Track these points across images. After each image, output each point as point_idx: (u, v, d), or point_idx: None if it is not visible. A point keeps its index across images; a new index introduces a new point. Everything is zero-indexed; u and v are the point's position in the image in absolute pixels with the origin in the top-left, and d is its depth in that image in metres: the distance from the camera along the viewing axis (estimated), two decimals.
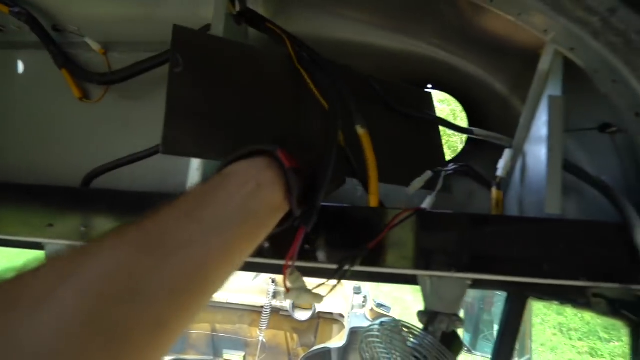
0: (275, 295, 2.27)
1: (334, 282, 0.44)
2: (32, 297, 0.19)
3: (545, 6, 0.44)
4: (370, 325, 0.56)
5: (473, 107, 0.71)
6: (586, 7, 0.42)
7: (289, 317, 2.33)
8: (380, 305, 2.27)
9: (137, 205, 0.49)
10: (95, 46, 0.67)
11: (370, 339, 0.55)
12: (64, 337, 0.18)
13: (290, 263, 0.36)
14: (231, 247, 0.30)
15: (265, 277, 2.30)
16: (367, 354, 0.57)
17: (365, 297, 2.29)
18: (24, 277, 0.20)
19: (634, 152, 0.46)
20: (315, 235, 0.47)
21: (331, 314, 2.31)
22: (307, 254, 0.46)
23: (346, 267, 0.42)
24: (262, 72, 0.56)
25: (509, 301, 0.63)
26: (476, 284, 0.56)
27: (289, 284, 0.35)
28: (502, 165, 0.59)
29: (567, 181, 0.62)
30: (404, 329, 0.50)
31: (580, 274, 0.44)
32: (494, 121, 0.67)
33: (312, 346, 2.27)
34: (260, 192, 0.33)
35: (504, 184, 0.62)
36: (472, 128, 0.62)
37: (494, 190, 0.59)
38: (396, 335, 0.52)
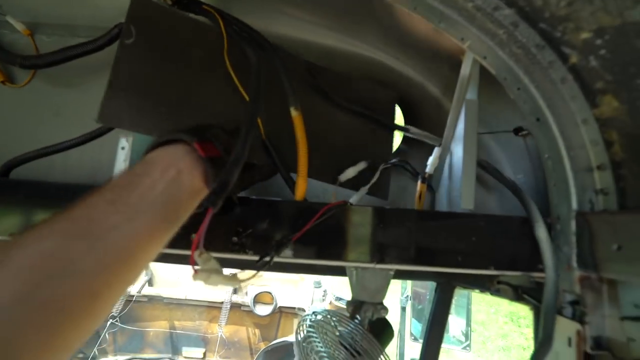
0: (235, 290, 2.25)
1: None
2: None
3: (460, 17, 0.47)
4: (304, 316, 0.58)
5: (409, 108, 0.74)
6: (494, 20, 0.45)
7: (250, 312, 2.32)
8: (339, 299, 2.32)
9: (55, 197, 0.47)
10: (19, 26, 0.63)
11: (304, 329, 0.57)
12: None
13: (197, 241, 0.35)
14: (154, 229, 0.33)
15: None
16: (304, 344, 0.59)
17: (325, 291, 2.33)
18: None
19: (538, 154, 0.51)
20: (243, 228, 0.48)
21: (292, 308, 2.33)
22: (235, 247, 0.47)
23: (267, 258, 0.43)
24: (212, 52, 0.55)
25: (437, 290, 0.67)
26: (404, 275, 0.60)
27: (198, 265, 0.35)
28: (430, 162, 0.63)
29: (491, 179, 0.68)
30: (333, 318, 0.53)
31: (489, 263, 0.48)
32: (428, 121, 0.71)
33: (274, 340, 2.29)
34: (180, 177, 0.36)
35: (435, 181, 0.67)
36: (407, 126, 0.65)
37: (419, 184, 0.63)
38: (327, 325, 0.54)
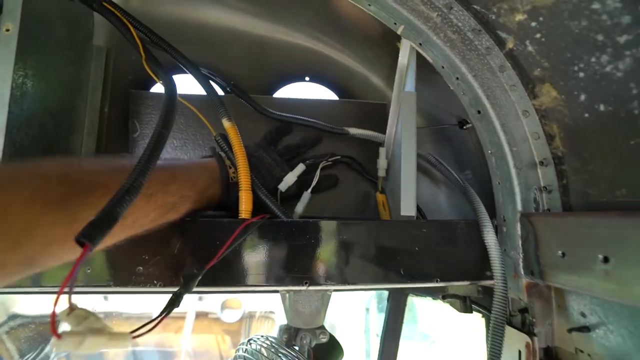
0: (200, 298, 2.14)
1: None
2: None
3: None
4: (240, 345, 0.51)
5: None
6: (426, 2, 0.40)
7: (218, 320, 2.23)
8: None
9: None
10: None
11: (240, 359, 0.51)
12: None
13: (66, 291, 0.27)
14: None
15: None
16: None
17: None
18: None
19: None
20: (150, 255, 0.40)
21: (262, 311, 2.26)
22: (140, 278, 0.40)
23: (178, 297, 0.36)
24: None
25: (390, 299, 0.63)
26: (340, 289, 0.54)
27: (68, 326, 0.27)
28: (380, 165, 0.57)
29: (441, 177, 0.64)
30: (271, 347, 0.47)
31: (435, 275, 0.43)
32: (373, 118, 0.66)
33: None
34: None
35: (385, 183, 0.61)
36: (347, 129, 0.59)
37: (378, 195, 0.58)
38: (262, 356, 0.48)
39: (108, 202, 0.30)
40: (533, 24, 0.33)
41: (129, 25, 0.48)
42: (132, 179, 0.32)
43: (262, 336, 0.50)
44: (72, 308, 0.28)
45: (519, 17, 0.34)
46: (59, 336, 0.26)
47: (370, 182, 0.63)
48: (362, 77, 0.65)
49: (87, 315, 0.30)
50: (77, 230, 0.27)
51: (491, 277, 0.42)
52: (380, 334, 1.53)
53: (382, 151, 0.58)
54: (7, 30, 0.41)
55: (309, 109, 0.62)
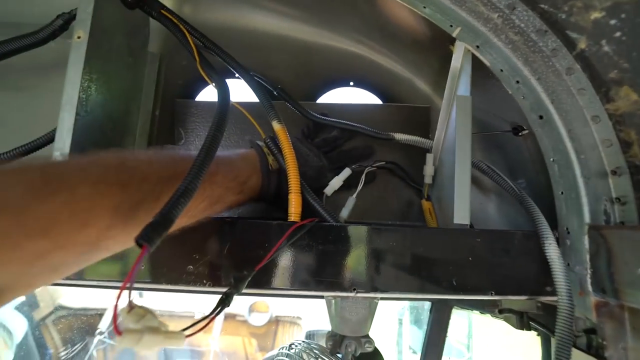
0: None
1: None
2: None
3: (447, 0, 0.40)
4: (280, 349, 0.51)
5: None
6: (486, 3, 0.39)
7: (246, 322, 2.25)
8: None
9: None
10: None
11: None
12: None
13: (124, 289, 0.27)
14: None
15: None
16: None
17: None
18: None
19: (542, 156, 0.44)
20: (200, 254, 0.41)
21: (289, 316, 2.26)
22: (190, 277, 0.40)
23: (228, 297, 0.36)
24: None
25: (433, 311, 0.60)
26: (388, 298, 0.53)
27: (128, 324, 0.27)
28: (426, 171, 0.56)
29: (489, 182, 0.61)
30: (310, 353, 0.46)
31: (489, 287, 0.41)
32: (419, 123, 0.64)
33: (271, 350, 2.22)
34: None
35: (431, 190, 0.59)
36: (392, 134, 0.58)
37: (424, 202, 0.56)
38: None
39: (165, 205, 0.31)
40: (612, 21, 0.31)
41: (185, 31, 0.50)
42: (187, 181, 0.33)
43: (303, 341, 0.49)
44: (132, 306, 0.29)
45: (595, 14, 0.32)
46: (119, 333, 0.27)
47: (414, 188, 0.61)
48: (407, 82, 0.63)
49: (145, 313, 0.30)
50: (135, 215, 0.30)
51: (552, 293, 0.39)
52: (412, 346, 1.48)
53: (430, 157, 0.56)
54: (79, 37, 0.44)
55: (352, 114, 0.61)
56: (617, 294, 0.34)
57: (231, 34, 0.64)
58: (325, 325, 2.41)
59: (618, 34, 0.31)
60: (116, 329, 0.27)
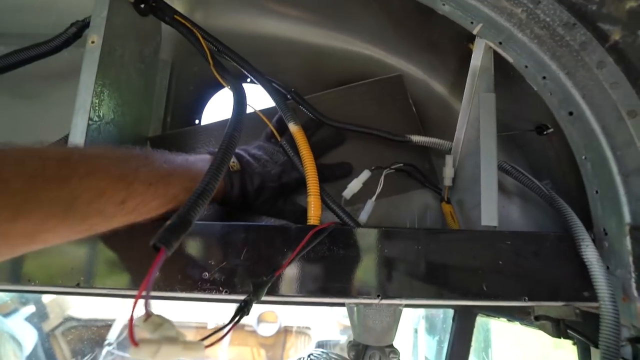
0: None
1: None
2: None
3: None
4: (298, 358, 0.49)
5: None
6: None
7: (254, 333, 2.22)
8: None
9: None
10: None
11: None
12: None
13: (140, 297, 0.26)
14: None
15: None
16: None
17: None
18: None
19: (571, 155, 0.42)
20: (216, 260, 0.39)
21: (298, 327, 2.22)
22: (206, 284, 0.39)
23: (248, 305, 0.34)
24: None
25: (456, 319, 0.57)
26: (414, 305, 0.50)
27: (144, 333, 0.26)
28: (446, 174, 0.54)
29: (510, 184, 0.59)
30: None
31: (522, 292, 0.39)
32: (435, 125, 0.63)
33: None
34: None
35: (451, 193, 0.57)
36: (409, 136, 0.57)
37: (444, 205, 0.54)
38: None
39: (182, 207, 0.31)
40: None
41: (199, 35, 0.50)
42: (205, 182, 0.32)
43: (322, 351, 0.47)
44: (149, 315, 0.27)
45: (631, 4, 0.31)
46: (136, 343, 0.25)
47: (431, 191, 0.59)
48: (423, 84, 0.62)
49: (162, 322, 0.28)
50: (77, 209, 0.30)
51: (590, 299, 0.37)
52: (428, 356, 1.43)
53: (449, 159, 0.54)
54: (93, 42, 0.43)
55: (327, 102, 0.59)
56: None
57: (241, 39, 0.64)
58: (335, 335, 2.36)
59: None
60: (132, 339, 0.25)
